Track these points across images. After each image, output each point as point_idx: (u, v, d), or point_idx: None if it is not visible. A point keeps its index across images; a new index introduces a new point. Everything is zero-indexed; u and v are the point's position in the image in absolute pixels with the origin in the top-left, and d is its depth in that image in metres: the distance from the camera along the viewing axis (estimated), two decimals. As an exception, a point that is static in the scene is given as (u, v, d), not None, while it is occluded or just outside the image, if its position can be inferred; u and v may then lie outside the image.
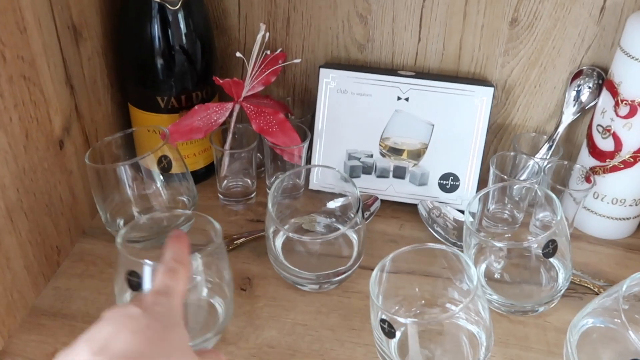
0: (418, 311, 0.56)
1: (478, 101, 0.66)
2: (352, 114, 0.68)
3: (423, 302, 0.56)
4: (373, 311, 0.49)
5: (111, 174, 0.60)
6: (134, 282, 0.47)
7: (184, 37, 0.64)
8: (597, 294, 0.62)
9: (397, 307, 0.55)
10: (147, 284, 0.46)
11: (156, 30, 0.62)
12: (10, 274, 0.53)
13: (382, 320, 0.47)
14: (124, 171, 0.59)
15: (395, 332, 0.47)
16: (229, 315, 0.54)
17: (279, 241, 0.60)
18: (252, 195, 0.71)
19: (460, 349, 0.52)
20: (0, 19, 0.48)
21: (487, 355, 0.50)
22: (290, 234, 0.57)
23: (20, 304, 0.55)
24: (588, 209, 0.68)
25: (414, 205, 0.69)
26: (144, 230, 0.56)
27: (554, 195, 0.56)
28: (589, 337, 0.52)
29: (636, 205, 0.66)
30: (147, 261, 0.46)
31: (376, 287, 0.49)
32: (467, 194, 0.69)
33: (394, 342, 0.50)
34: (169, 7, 0.61)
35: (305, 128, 0.68)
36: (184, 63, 0.65)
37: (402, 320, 0.47)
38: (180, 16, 0.62)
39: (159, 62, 0.63)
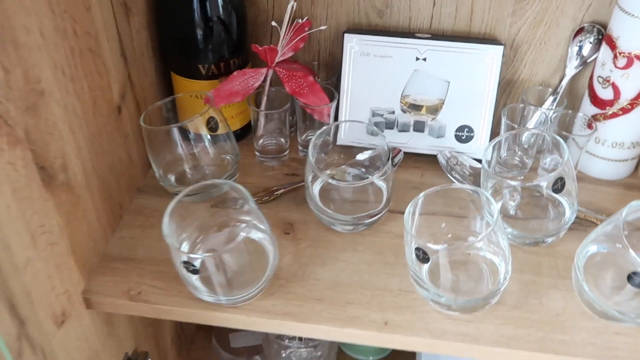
0: (452, 243, 0.64)
1: (489, 59, 0.73)
2: (374, 74, 0.75)
3: (450, 236, 0.64)
4: (407, 242, 0.57)
5: (164, 135, 0.67)
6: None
7: (220, 9, 0.70)
8: (600, 227, 0.70)
9: (429, 240, 0.63)
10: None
11: (195, 3, 0.68)
12: (86, 225, 0.61)
13: (417, 249, 0.55)
14: (176, 132, 0.66)
15: (428, 257, 0.55)
16: (276, 255, 0.61)
17: (316, 188, 0.68)
18: (286, 153, 0.78)
19: (482, 275, 0.60)
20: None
21: (505, 280, 0.58)
22: (330, 180, 0.64)
23: (95, 251, 0.63)
24: (590, 153, 0.75)
25: (434, 156, 0.77)
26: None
27: (561, 139, 0.63)
28: (594, 261, 0.60)
29: (634, 147, 0.73)
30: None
31: (410, 220, 0.56)
32: (480, 144, 0.76)
33: (425, 268, 0.58)
34: (208, -18, 0.67)
35: (332, 89, 0.75)
36: (221, 33, 0.71)
37: (434, 247, 0.55)
38: (220, -10, 0.69)
39: (200, 33, 0.70)
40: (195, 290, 0.58)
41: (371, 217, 0.67)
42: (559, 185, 0.61)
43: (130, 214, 0.70)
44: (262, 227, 0.60)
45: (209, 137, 0.69)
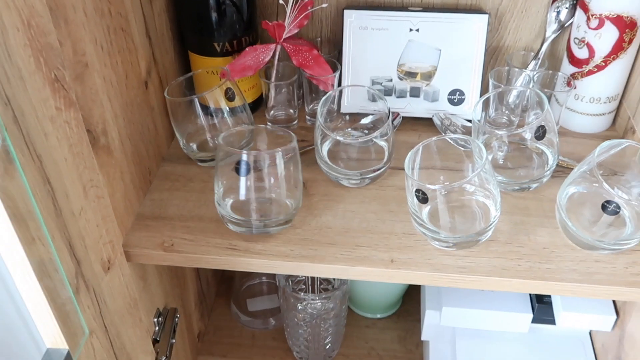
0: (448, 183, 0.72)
1: (476, 27, 0.81)
2: (372, 46, 0.83)
3: (447, 182, 0.71)
4: (408, 187, 0.65)
5: (186, 106, 0.75)
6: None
7: (232, -9, 0.78)
8: (581, 174, 0.77)
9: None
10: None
11: (211, -13, 0.76)
12: (123, 185, 0.68)
13: (417, 190, 0.63)
14: (197, 103, 0.74)
15: (427, 198, 0.63)
16: (298, 205, 0.69)
17: (325, 149, 0.75)
18: (295, 122, 0.86)
19: (475, 216, 0.68)
20: (108, -18, 0.62)
21: (495, 218, 0.66)
22: (338, 137, 0.72)
23: (131, 210, 0.71)
24: (570, 109, 0.83)
25: (429, 119, 0.84)
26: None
27: (542, 93, 0.71)
28: (573, 199, 0.68)
29: (609, 102, 0.81)
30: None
31: (410, 165, 0.64)
32: (471, 106, 0.84)
33: (426, 209, 0.66)
34: (221, -34, 0.75)
35: (335, 61, 0.83)
36: (233, 13, 0.79)
37: (431, 187, 0.62)
38: (227, -27, 0.76)
39: (214, 13, 0.78)
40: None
41: (375, 172, 0.74)
42: (540, 133, 0.69)
43: (159, 179, 0.78)
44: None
45: (227, 108, 0.77)
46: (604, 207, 0.62)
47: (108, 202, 0.63)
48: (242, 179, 0.65)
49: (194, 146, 0.78)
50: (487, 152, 0.74)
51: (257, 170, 0.65)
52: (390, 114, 0.72)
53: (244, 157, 0.63)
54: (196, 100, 0.74)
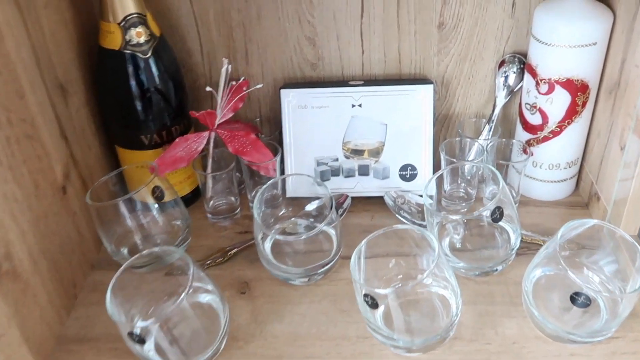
0: (399, 284, 0.65)
1: (421, 97, 0.76)
2: (314, 125, 0.77)
3: (400, 276, 0.65)
4: (357, 290, 0.58)
5: (111, 210, 0.68)
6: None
7: (157, 80, 0.71)
8: (547, 248, 0.72)
9: (378, 284, 0.64)
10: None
11: (132, 77, 0.70)
12: (38, 309, 0.60)
13: (365, 295, 0.56)
14: (123, 206, 0.67)
15: (377, 303, 0.56)
16: (227, 315, 0.61)
17: (267, 245, 0.69)
18: (237, 211, 0.79)
19: (435, 312, 0.61)
20: (4, 89, 0.56)
21: (457, 313, 0.59)
22: (278, 236, 0.65)
23: (50, 334, 0.63)
24: (530, 177, 0.78)
25: (381, 197, 0.78)
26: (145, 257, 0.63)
27: (494, 169, 0.66)
28: (540, 284, 0.62)
29: (570, 167, 0.76)
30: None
31: (356, 267, 0.58)
32: (425, 180, 0.78)
33: (378, 313, 0.59)
34: (141, 55, 0.69)
35: (276, 144, 0.77)
36: (160, 102, 0.73)
37: (381, 291, 0.56)
38: (152, 62, 0.70)
39: (139, 105, 0.71)
40: None
41: (324, 267, 0.68)
42: (497, 215, 0.63)
43: (86, 291, 0.70)
44: (209, 288, 0.60)
45: (156, 206, 0.70)
46: (573, 300, 0.56)
47: (14, 338, 0.55)
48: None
49: (125, 251, 0.71)
50: (444, 234, 0.69)
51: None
52: (333, 201, 0.66)
53: (137, 330, 0.55)
54: (121, 202, 0.67)
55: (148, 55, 0.69)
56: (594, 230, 0.60)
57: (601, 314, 0.59)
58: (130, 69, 0.69)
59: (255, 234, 0.67)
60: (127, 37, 0.68)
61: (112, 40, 0.68)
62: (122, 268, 0.58)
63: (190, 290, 0.57)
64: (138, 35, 0.68)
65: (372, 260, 0.62)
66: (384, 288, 0.63)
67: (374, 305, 0.56)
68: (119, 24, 0.67)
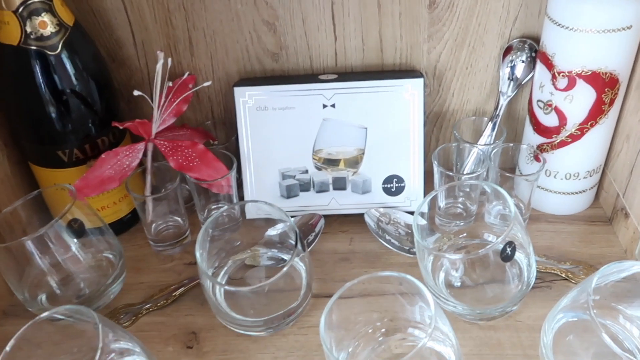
0: (380, 338, 0.52)
1: (409, 95, 0.61)
2: (277, 131, 0.63)
3: (384, 330, 0.51)
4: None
5: (19, 251, 0.53)
6: None
7: (73, 80, 0.56)
8: (566, 279, 0.58)
9: (355, 343, 0.50)
10: None
11: (39, 78, 0.55)
12: None
13: (340, 372, 0.43)
14: (31, 246, 0.53)
15: (356, 382, 0.43)
16: None
17: (219, 293, 0.54)
18: (187, 234, 0.65)
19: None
20: None
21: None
22: (228, 287, 0.51)
23: (-63, 418, 0.49)
24: (543, 188, 0.64)
25: (362, 215, 0.65)
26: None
27: (502, 191, 0.52)
28: (564, 335, 0.49)
29: (590, 176, 0.62)
30: None
31: (327, 336, 0.44)
32: (414, 193, 0.64)
33: (358, 388, 0.46)
34: (49, 52, 0.54)
35: (230, 155, 0.62)
36: (79, 108, 0.58)
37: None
38: (65, 58, 0.55)
39: (51, 112, 0.56)
40: None
41: (290, 315, 0.54)
42: (508, 252, 0.49)
43: (-6, 348, 0.56)
44: (133, 349, 0.46)
45: (75, 241, 0.55)
46: (610, 371, 0.43)
47: None
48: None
49: (43, 298, 0.57)
50: (438, 270, 0.55)
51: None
52: (299, 236, 0.52)
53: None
54: (29, 243, 0.52)
55: (58, 51, 0.54)
56: (638, 275, 0.46)
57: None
58: (36, 68, 0.54)
59: (203, 282, 0.53)
60: (28, 29, 0.52)
61: (8, 33, 0.53)
62: (13, 339, 0.44)
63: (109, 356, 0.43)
64: (42, 25, 0.53)
65: (347, 304, 0.48)
66: (362, 352, 0.50)
67: (351, 384, 0.43)
68: (14, 11, 0.52)
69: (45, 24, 0.53)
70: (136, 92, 0.56)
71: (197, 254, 0.51)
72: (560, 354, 0.48)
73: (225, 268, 0.59)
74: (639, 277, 0.46)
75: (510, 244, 0.49)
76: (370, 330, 0.51)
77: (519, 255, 0.53)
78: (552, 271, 0.59)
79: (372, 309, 0.50)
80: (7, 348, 0.44)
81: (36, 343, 0.53)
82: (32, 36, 0.53)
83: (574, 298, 0.47)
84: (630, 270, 0.45)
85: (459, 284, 0.55)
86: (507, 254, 0.49)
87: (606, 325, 0.50)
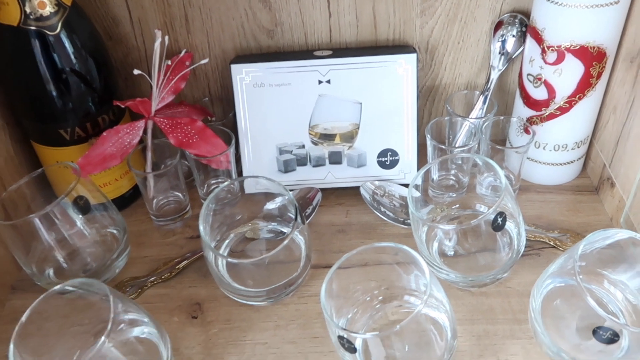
0: (378, 306, 0.54)
1: (402, 70, 0.63)
2: (274, 107, 0.64)
3: (381, 298, 0.54)
4: (330, 328, 0.47)
5: (25, 228, 0.55)
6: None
7: (73, 59, 0.57)
8: (554, 247, 0.61)
9: (354, 310, 0.53)
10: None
11: (39, 58, 0.55)
12: None
13: (340, 337, 0.45)
14: (38, 223, 0.54)
15: (354, 347, 0.45)
16: (169, 350, 0.50)
17: (222, 265, 0.56)
18: (187, 209, 0.67)
19: (426, 340, 0.50)
20: None
21: (454, 340, 0.48)
22: (230, 259, 0.53)
23: (-45, 388, 0.51)
24: (532, 159, 0.66)
25: (357, 188, 0.66)
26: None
27: (493, 163, 0.54)
28: (552, 299, 0.51)
29: (578, 148, 0.64)
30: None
31: (328, 304, 0.46)
32: (408, 166, 0.66)
33: (357, 355, 0.48)
34: (48, 32, 0.54)
35: (229, 131, 0.64)
36: (79, 86, 0.59)
37: (359, 336, 0.45)
38: (64, 37, 0.56)
39: (52, 91, 0.57)
40: None
41: (290, 285, 0.56)
42: (499, 222, 0.51)
43: (4, 322, 0.58)
44: (141, 319, 0.49)
45: (80, 216, 0.57)
46: (595, 333, 0.45)
47: None
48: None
49: (50, 273, 0.58)
50: (432, 240, 0.57)
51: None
52: (298, 209, 0.54)
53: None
54: (35, 220, 0.54)
55: (57, 31, 0.55)
56: (622, 242, 0.48)
57: (622, 342, 0.48)
58: (36, 49, 0.55)
59: (206, 254, 0.55)
60: (27, 9, 0.53)
61: (8, 13, 0.53)
62: (27, 311, 0.46)
63: (119, 327, 0.45)
64: (41, 5, 0.53)
65: (346, 274, 0.50)
66: (362, 314, 0.52)
67: (350, 349, 0.45)
68: (13, -8, 0.52)
69: (44, 4, 0.54)
70: (136, 71, 0.57)
71: (201, 228, 0.53)
72: (548, 317, 0.51)
73: (227, 241, 0.61)
74: (623, 244, 0.49)
75: (501, 214, 0.51)
76: (368, 299, 0.53)
77: (509, 225, 0.56)
78: (541, 239, 0.61)
79: (370, 278, 0.53)
80: (23, 319, 0.46)
81: (46, 316, 0.55)
82: (31, 17, 0.53)
83: (561, 265, 0.50)
84: (615, 238, 0.48)
85: (452, 253, 0.57)
86: (498, 224, 0.51)
87: (591, 289, 0.53)
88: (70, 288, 0.47)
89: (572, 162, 0.65)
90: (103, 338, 0.43)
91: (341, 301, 0.51)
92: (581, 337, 0.48)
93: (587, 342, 0.48)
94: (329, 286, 0.47)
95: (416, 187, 0.58)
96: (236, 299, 0.57)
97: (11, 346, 0.45)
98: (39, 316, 0.48)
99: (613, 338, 0.44)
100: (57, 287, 0.47)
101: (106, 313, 0.48)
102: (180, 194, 0.66)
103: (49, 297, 0.47)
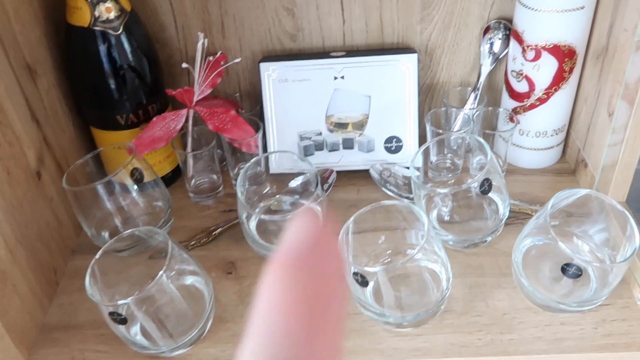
0: (388, 259, 0.64)
1: (405, 68, 0.74)
2: (296, 99, 0.75)
3: (390, 251, 0.64)
4: (345, 268, 0.57)
5: (89, 194, 0.65)
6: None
7: (130, 57, 0.69)
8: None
9: (367, 261, 0.63)
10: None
11: (104, 55, 0.67)
12: (19, 299, 0.59)
13: (355, 274, 0.55)
14: (101, 189, 0.65)
15: (367, 280, 0.55)
16: (212, 295, 0.60)
17: (252, 224, 0.67)
18: (220, 189, 0.77)
19: (425, 286, 0.60)
20: (-34, 74, 0.53)
21: (448, 286, 0.58)
22: (262, 216, 0.63)
23: (32, 323, 0.61)
24: (517, 145, 0.77)
25: (367, 170, 0.77)
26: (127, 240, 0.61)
27: (482, 140, 0.64)
28: (530, 254, 0.62)
29: (557, 134, 0.75)
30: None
31: (344, 244, 0.56)
32: (411, 151, 0.77)
33: (368, 290, 0.58)
34: (112, 32, 0.66)
35: (257, 119, 0.74)
36: (134, 80, 0.70)
37: (370, 269, 0.55)
38: (124, 38, 0.67)
39: (112, 84, 0.69)
40: (133, 345, 0.57)
41: (311, 244, 0.66)
42: (486, 187, 0.62)
43: (67, 277, 0.68)
44: (192, 269, 0.59)
45: (135, 187, 0.68)
46: (564, 270, 0.55)
47: (-5, 330, 0.54)
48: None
49: (106, 235, 0.69)
50: (431, 207, 0.68)
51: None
52: (319, 178, 0.64)
53: (117, 309, 0.54)
54: (99, 186, 0.65)
55: (119, 32, 0.66)
56: (584, 199, 0.59)
57: (591, 284, 0.58)
58: (101, 47, 0.66)
59: (240, 214, 0.65)
60: (96, 13, 0.65)
61: (80, 16, 0.65)
62: (101, 250, 0.57)
63: (172, 272, 0.56)
64: (107, 10, 0.65)
65: (360, 236, 0.61)
66: (373, 265, 0.62)
67: (363, 283, 0.55)
68: (86, -1, 0.64)
69: (110, 9, 0.65)
70: (184, 65, 0.68)
71: (239, 192, 0.63)
72: (528, 268, 0.61)
73: (257, 210, 0.72)
74: (587, 200, 0.59)
75: (487, 180, 0.62)
76: (378, 250, 0.63)
77: (496, 197, 0.66)
78: (524, 211, 0.71)
79: (381, 231, 0.63)
80: (97, 255, 0.56)
81: (103, 271, 0.66)
82: (99, 19, 0.65)
83: (536, 223, 0.60)
84: (577, 195, 0.58)
85: (448, 218, 0.67)
86: (484, 189, 0.62)
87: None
88: (137, 231, 0.57)
89: (551, 147, 0.76)
90: (161, 273, 0.53)
91: (356, 252, 0.62)
92: (554, 279, 0.58)
93: (559, 282, 0.58)
94: (346, 232, 0.57)
95: (417, 168, 0.68)
96: (265, 255, 0.67)
97: (87, 274, 0.55)
98: (111, 257, 0.58)
99: (577, 272, 0.54)
100: (126, 232, 0.57)
101: (164, 264, 0.58)
102: (214, 176, 0.77)
103: (119, 240, 0.58)
